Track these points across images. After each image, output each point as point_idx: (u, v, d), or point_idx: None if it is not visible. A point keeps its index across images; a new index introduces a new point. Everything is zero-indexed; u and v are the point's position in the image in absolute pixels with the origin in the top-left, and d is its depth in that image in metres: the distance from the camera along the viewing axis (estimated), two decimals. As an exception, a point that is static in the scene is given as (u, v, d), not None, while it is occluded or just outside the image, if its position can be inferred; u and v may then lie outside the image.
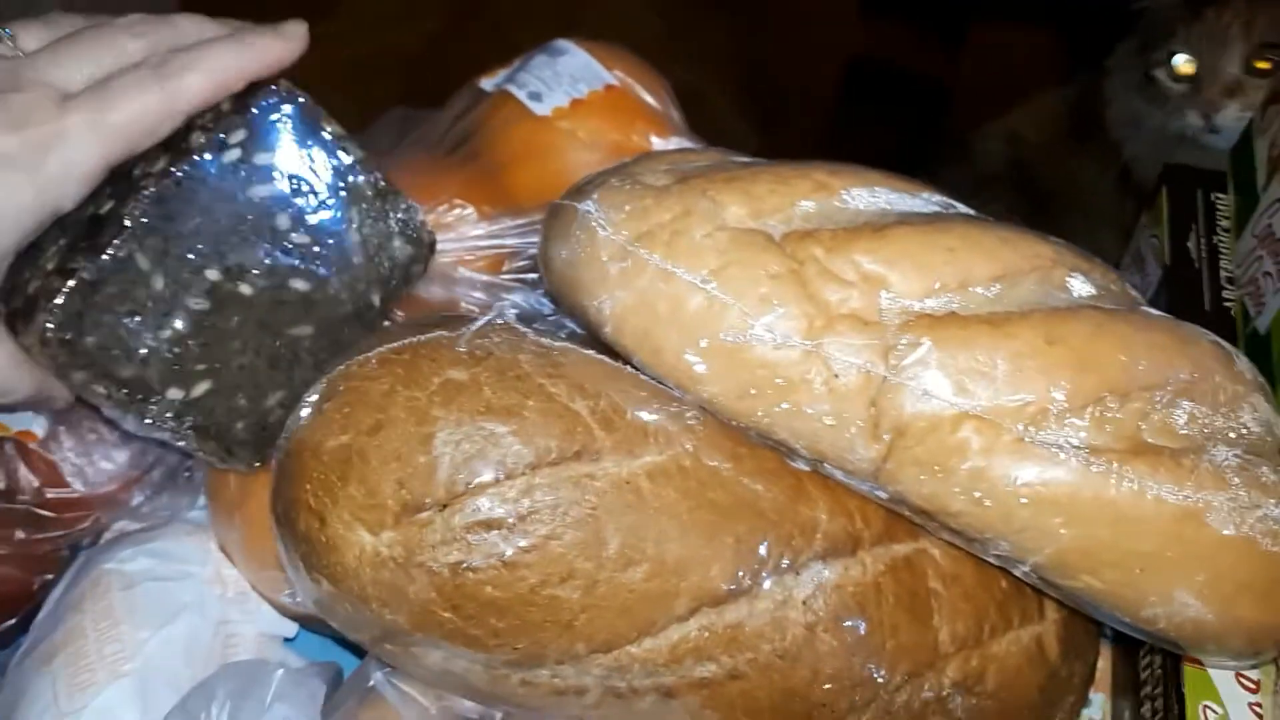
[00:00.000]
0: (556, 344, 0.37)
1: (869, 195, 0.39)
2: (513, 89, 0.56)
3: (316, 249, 0.41)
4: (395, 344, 0.35)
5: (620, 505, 0.34)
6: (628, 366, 0.38)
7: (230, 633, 0.43)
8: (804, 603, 0.35)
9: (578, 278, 0.38)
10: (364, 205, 0.43)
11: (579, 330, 0.41)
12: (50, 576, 0.47)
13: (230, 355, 0.40)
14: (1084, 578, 0.34)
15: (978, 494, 0.34)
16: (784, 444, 0.37)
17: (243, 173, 0.40)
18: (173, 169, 0.38)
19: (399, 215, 0.44)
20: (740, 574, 0.35)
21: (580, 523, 0.33)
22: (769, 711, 0.36)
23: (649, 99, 0.57)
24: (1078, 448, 0.33)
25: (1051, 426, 0.33)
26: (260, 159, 0.40)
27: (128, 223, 0.37)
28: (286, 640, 0.46)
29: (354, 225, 0.42)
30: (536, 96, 0.55)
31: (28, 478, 0.48)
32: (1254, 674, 0.42)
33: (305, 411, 0.35)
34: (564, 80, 0.56)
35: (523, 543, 0.33)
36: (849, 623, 0.36)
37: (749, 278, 0.36)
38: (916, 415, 0.34)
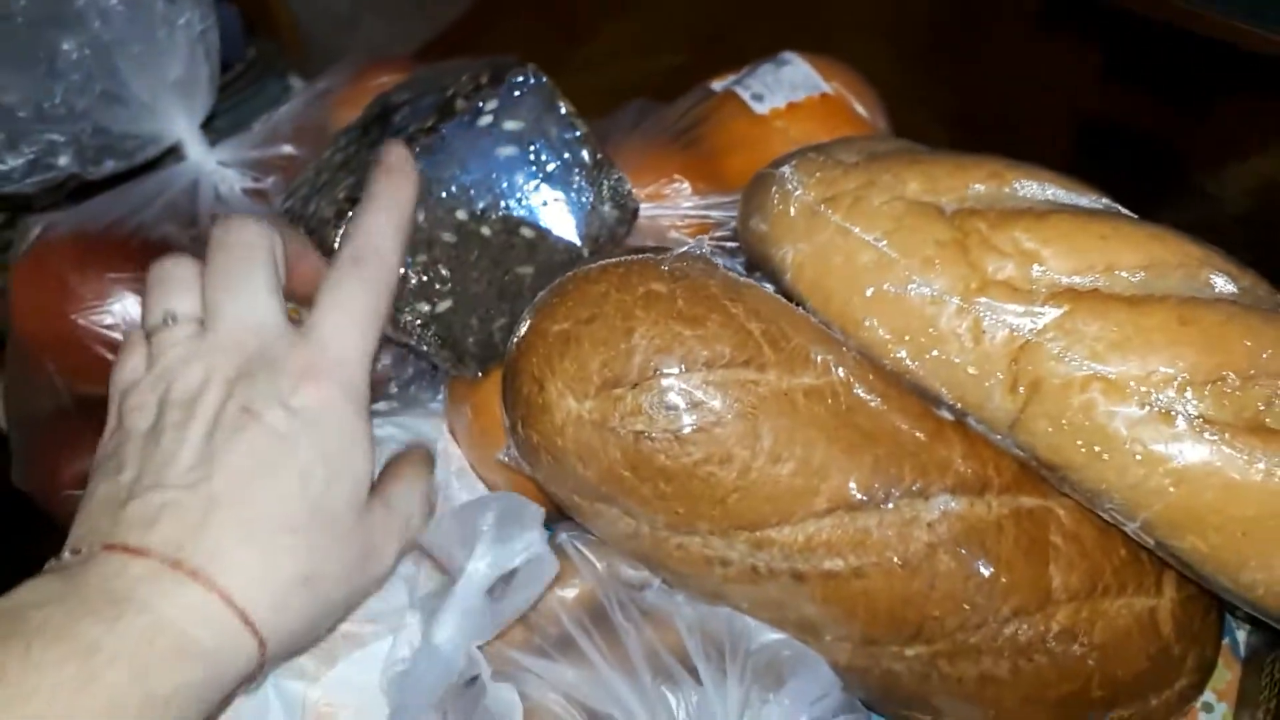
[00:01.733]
0: (743, 278, 0.44)
1: (1038, 187, 0.44)
2: (738, 90, 0.63)
3: (543, 204, 0.50)
4: (613, 259, 0.43)
5: (777, 410, 0.40)
6: (800, 309, 0.44)
7: (449, 496, 0.52)
8: (929, 525, 0.41)
9: (768, 231, 0.45)
10: (583, 171, 0.51)
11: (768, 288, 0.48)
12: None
13: (468, 283, 0.49)
14: (1190, 538, 0.38)
15: (1098, 449, 0.38)
16: (931, 391, 0.42)
17: (492, 135, 0.49)
18: (440, 127, 0.48)
19: (611, 183, 0.52)
20: (874, 487, 0.40)
21: (741, 417, 0.40)
22: (885, 613, 0.41)
23: (860, 109, 0.64)
24: (1194, 417, 0.37)
25: (1172, 395, 0.37)
26: (508, 125, 0.50)
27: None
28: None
29: (574, 188, 0.51)
30: (758, 98, 0.63)
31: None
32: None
33: (540, 302, 0.43)
34: (784, 86, 0.63)
35: (692, 424, 0.40)
36: (967, 550, 0.41)
37: (917, 241, 0.41)
38: (1051, 374, 0.39)
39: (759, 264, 0.47)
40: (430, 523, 0.44)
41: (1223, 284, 0.40)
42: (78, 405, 0.59)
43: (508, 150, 0.49)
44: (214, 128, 0.67)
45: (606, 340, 0.41)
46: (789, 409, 0.40)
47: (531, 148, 0.50)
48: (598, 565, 0.45)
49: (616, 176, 0.52)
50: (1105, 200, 0.45)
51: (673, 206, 0.59)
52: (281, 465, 0.37)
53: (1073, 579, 0.42)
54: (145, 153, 0.64)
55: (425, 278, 0.48)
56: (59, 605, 0.33)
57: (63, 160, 0.61)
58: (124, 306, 0.57)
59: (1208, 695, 0.51)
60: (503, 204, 0.49)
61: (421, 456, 0.46)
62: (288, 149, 0.68)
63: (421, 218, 0.48)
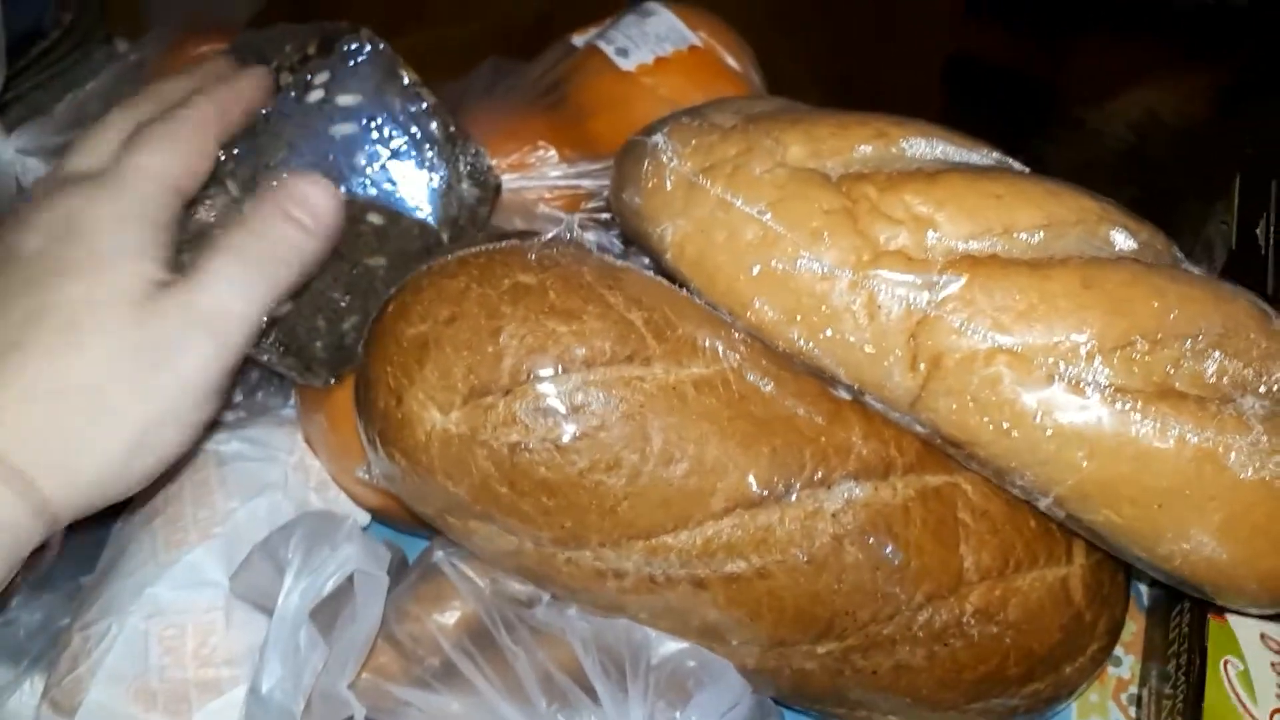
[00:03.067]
0: (619, 263, 0.40)
1: (927, 145, 0.41)
2: (601, 44, 0.59)
3: (390, 186, 0.45)
4: (473, 250, 0.39)
5: (665, 407, 0.37)
6: (684, 291, 0.40)
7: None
8: (833, 515, 0.38)
9: (644, 206, 0.41)
10: (435, 148, 0.46)
11: (646, 264, 0.44)
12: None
13: (311, 280, 0.44)
14: (1104, 511, 0.36)
15: (1006, 425, 0.36)
16: (827, 371, 0.39)
17: (325, 112, 0.43)
18: (262, 107, 0.42)
19: (468, 159, 0.47)
20: (774, 480, 0.37)
21: (628, 418, 0.36)
22: (793, 612, 0.38)
23: (731, 61, 0.60)
24: (1104, 386, 0.35)
25: (1080, 365, 0.35)
26: (342, 100, 0.44)
27: (220, 154, 0.41)
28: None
29: (425, 165, 0.46)
30: (623, 52, 0.58)
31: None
32: (1279, 634, 0.43)
33: (390, 303, 0.39)
34: (650, 39, 0.59)
35: (574, 430, 0.36)
36: (874, 539, 0.38)
37: (803, 211, 0.38)
38: (952, 348, 0.36)
39: (636, 239, 0.43)
40: (237, 568, 0.39)
41: (1122, 240, 0.38)
42: None
43: (345, 128, 0.44)
44: (28, 105, 0.59)
45: (470, 343, 0.36)
46: (679, 404, 0.37)
47: (373, 124, 0.44)
48: (479, 583, 0.41)
49: (474, 151, 0.47)
50: (996, 155, 0.42)
51: (539, 177, 0.54)
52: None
53: (984, 557, 0.40)
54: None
55: None
56: None
57: None
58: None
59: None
60: (343, 189, 0.44)
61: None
62: (99, 130, 0.60)
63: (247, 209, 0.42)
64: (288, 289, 0.38)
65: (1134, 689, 0.49)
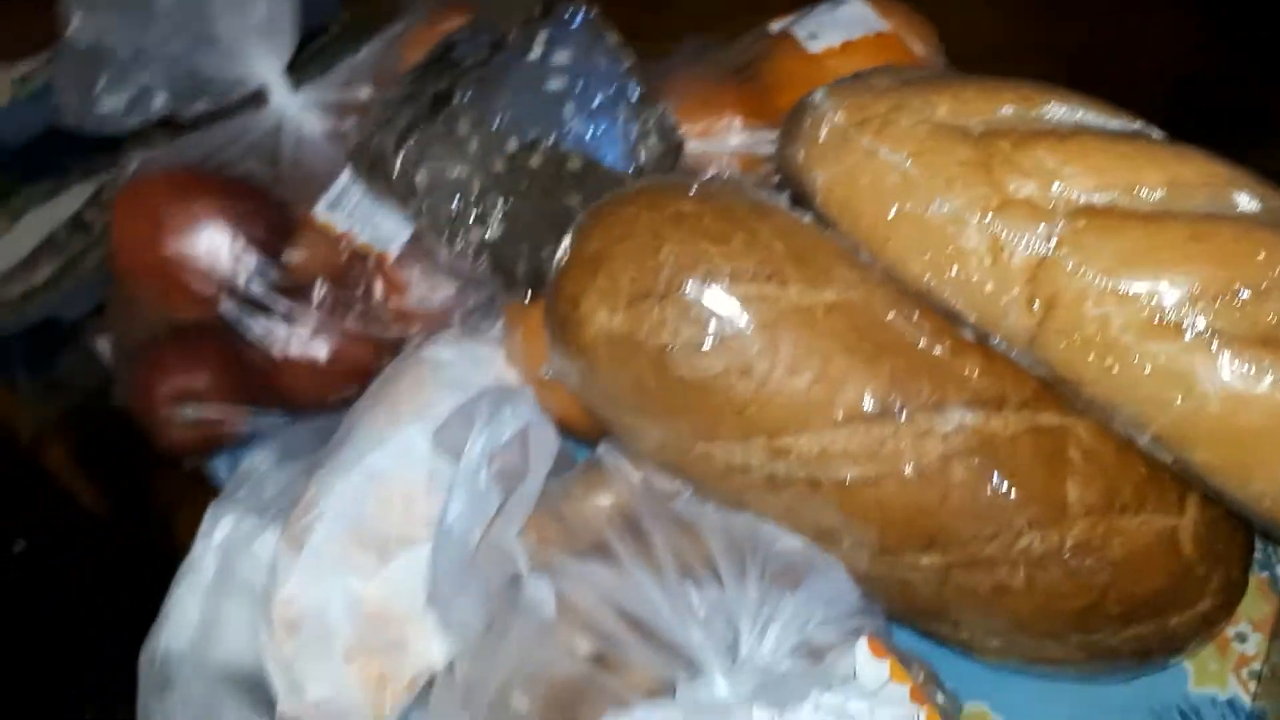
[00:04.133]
0: (771, 200, 0.45)
1: (1067, 110, 0.44)
2: (794, 30, 0.64)
3: (590, 136, 0.53)
4: (644, 183, 0.46)
5: (797, 323, 0.42)
6: (830, 233, 0.46)
7: (508, 418, 0.56)
8: (943, 436, 0.42)
9: (803, 157, 0.47)
10: (629, 105, 0.53)
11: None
12: (385, 362, 0.62)
13: (518, 211, 0.52)
14: (1198, 451, 0.39)
15: (1109, 362, 0.39)
16: (953, 310, 0.43)
17: (543, 68, 0.52)
18: (492, 60, 0.51)
19: (656, 118, 0.54)
20: (890, 398, 0.42)
21: (761, 329, 0.42)
22: (900, 521, 0.42)
23: (916, 47, 0.64)
24: (1203, 330, 0.38)
25: (1182, 309, 0.38)
26: (557, 58, 0.52)
27: (456, 97, 0.50)
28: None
29: (620, 120, 0.53)
30: (813, 37, 0.64)
31: (379, 287, 0.63)
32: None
33: (578, 227, 0.46)
34: (840, 25, 0.64)
35: (714, 336, 0.42)
36: (981, 462, 0.42)
37: (941, 161, 0.43)
38: (1066, 289, 0.40)
39: (796, 191, 0.48)
40: (439, 427, 0.47)
41: (1246, 201, 0.40)
42: (169, 330, 0.64)
43: (557, 83, 0.52)
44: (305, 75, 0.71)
45: (636, 257, 0.43)
46: (809, 323, 0.42)
47: (580, 81, 0.52)
48: (632, 477, 0.48)
49: (662, 110, 0.54)
50: (1140, 124, 0.45)
51: (721, 142, 0.60)
52: None
53: (1090, 494, 0.42)
54: (233, 94, 0.68)
55: (479, 205, 0.51)
56: None
57: (158, 101, 0.66)
58: (210, 237, 0.62)
59: (1243, 625, 0.51)
60: (552, 135, 0.52)
61: None
62: (365, 92, 0.71)
63: (476, 146, 0.51)
64: None
65: (1257, 665, 0.50)
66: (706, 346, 0.42)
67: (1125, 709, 0.49)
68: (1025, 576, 0.43)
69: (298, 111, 0.70)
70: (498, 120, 0.51)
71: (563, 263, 0.46)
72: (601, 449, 0.49)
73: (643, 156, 0.54)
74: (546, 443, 0.43)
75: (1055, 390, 0.43)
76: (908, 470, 0.42)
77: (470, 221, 0.51)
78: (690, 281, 0.42)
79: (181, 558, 0.57)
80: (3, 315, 1.46)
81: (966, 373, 0.43)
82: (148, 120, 0.67)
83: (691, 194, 0.44)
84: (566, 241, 0.46)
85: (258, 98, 0.70)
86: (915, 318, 0.43)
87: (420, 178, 0.50)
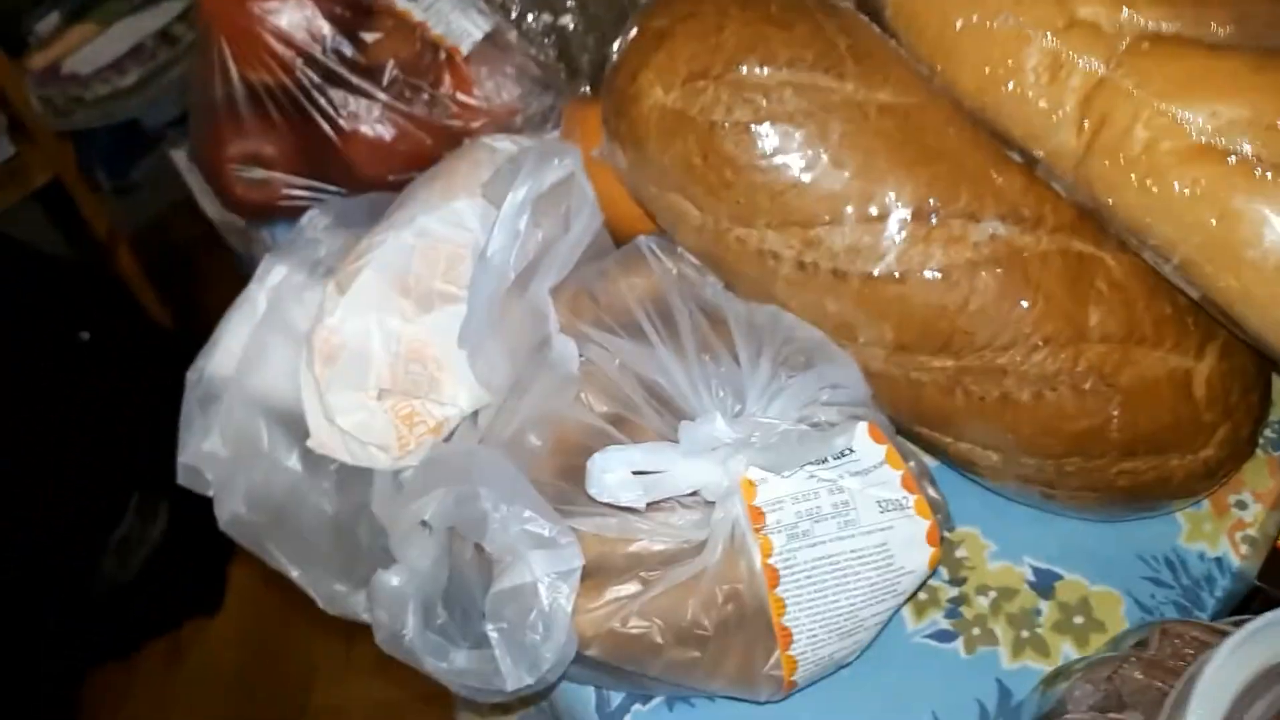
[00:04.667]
0: (841, 4, 0.46)
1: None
2: None
3: None
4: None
5: (846, 117, 0.43)
6: (895, 43, 0.46)
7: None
8: (975, 244, 0.43)
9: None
10: None
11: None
12: (445, 152, 0.64)
13: (588, 3, 0.53)
14: (1225, 276, 0.39)
15: (1149, 181, 0.40)
16: (1003, 130, 0.44)
17: None
18: None
19: None
20: (927, 200, 0.43)
21: (810, 117, 0.43)
22: (919, 320, 0.44)
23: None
24: (1248, 155, 0.38)
25: (1230, 134, 0.38)
26: None
27: None
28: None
29: None
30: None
31: (448, 80, 0.65)
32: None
33: (647, 4, 0.47)
34: None
35: (763, 117, 0.43)
36: (1007, 273, 0.43)
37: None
38: (1118, 110, 0.40)
39: (865, 4, 0.48)
40: (489, 177, 0.48)
41: (1317, 41, 0.40)
42: (246, 91, 0.66)
43: None
44: None
45: (698, 35, 0.44)
46: (859, 118, 0.43)
47: None
48: (667, 264, 0.50)
49: None
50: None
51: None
52: None
53: (1110, 322, 0.43)
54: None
55: None
56: None
57: None
58: (293, 4, 0.64)
59: (1245, 494, 0.52)
60: None
61: None
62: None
63: None
64: None
65: (1252, 531, 0.51)
66: (755, 128, 0.43)
67: (1114, 550, 0.50)
68: (1033, 391, 0.44)
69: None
70: None
71: (626, 40, 0.47)
72: (640, 238, 0.51)
73: None
74: (588, 203, 0.45)
75: (1092, 220, 0.44)
76: (933, 271, 0.43)
77: (541, 5, 0.52)
78: (748, 62, 0.43)
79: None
80: (89, 113, 1.50)
81: (1006, 188, 0.43)
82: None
83: (764, -19, 0.45)
84: (633, 21, 0.47)
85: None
86: (966, 132, 0.44)
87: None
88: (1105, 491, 0.47)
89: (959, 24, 0.43)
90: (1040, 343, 0.43)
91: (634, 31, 0.46)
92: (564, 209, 0.46)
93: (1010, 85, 0.42)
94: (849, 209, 0.43)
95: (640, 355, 0.47)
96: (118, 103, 1.46)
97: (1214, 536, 0.51)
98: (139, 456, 1.38)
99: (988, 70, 0.43)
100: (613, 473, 0.41)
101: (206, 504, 0.54)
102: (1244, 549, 0.51)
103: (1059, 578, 0.50)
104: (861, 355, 0.46)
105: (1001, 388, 0.44)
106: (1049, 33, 0.41)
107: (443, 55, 0.65)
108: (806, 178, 0.43)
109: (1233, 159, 0.38)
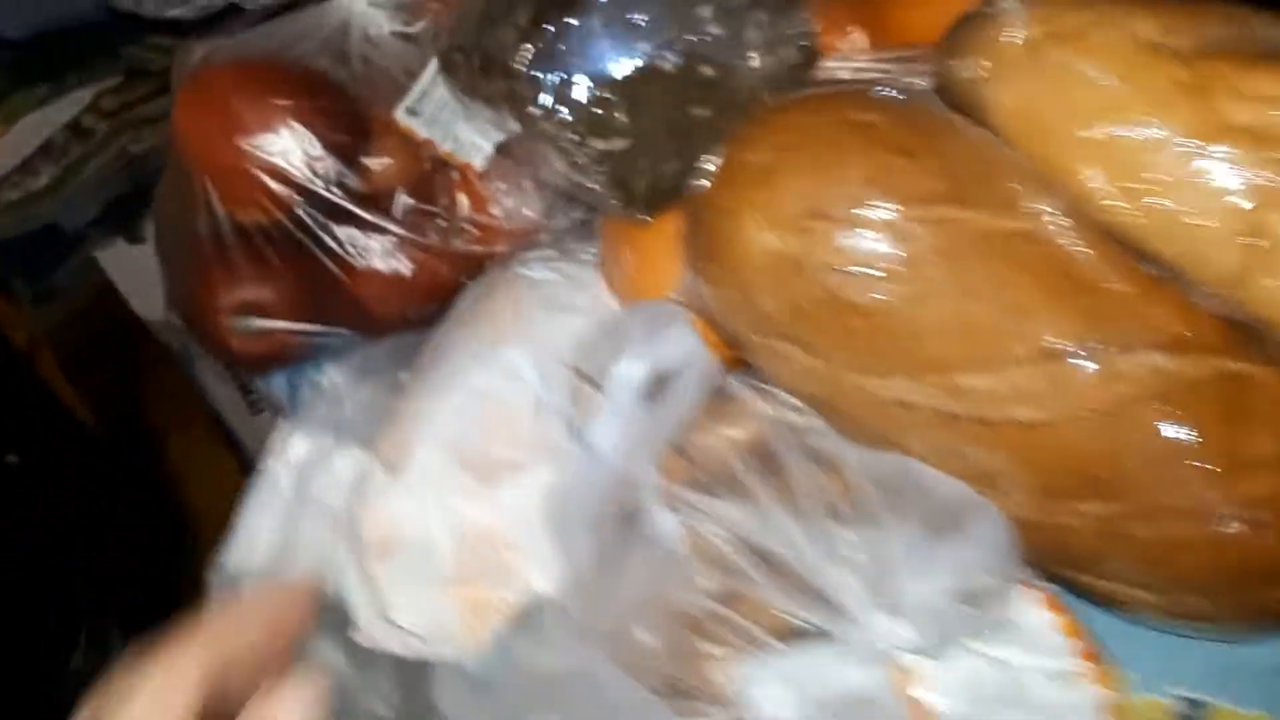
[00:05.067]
0: (952, 113, 0.42)
1: (1278, 32, 0.41)
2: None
3: (727, 41, 0.48)
4: (815, 90, 0.42)
5: (983, 251, 0.39)
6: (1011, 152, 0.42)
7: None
8: (1129, 379, 0.39)
9: (978, 69, 0.43)
10: (770, 11, 0.49)
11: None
12: (469, 280, 0.58)
13: (644, 120, 0.48)
14: None
15: (1330, 306, 0.36)
16: (1145, 244, 0.40)
17: None
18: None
19: (794, 24, 0.50)
20: (1076, 336, 0.39)
21: (945, 255, 0.38)
22: (1074, 466, 0.40)
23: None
24: None
25: None
26: None
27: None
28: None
29: (760, 26, 0.49)
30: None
31: (463, 200, 0.59)
32: None
33: (736, 135, 0.42)
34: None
35: (894, 260, 0.38)
36: (1166, 409, 0.39)
37: (1152, 80, 0.39)
38: (1283, 226, 0.37)
39: (964, 108, 0.44)
40: (580, 344, 0.43)
41: None
42: (236, 233, 0.59)
43: None
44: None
45: (810, 170, 0.39)
46: (995, 251, 0.39)
47: None
48: (764, 409, 0.45)
49: (801, 17, 0.50)
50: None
51: (845, 59, 0.56)
52: None
53: (1274, 447, 0.40)
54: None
55: (603, 113, 0.47)
56: None
57: (223, -14, 0.61)
58: (286, 135, 0.57)
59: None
60: (685, 39, 0.48)
61: None
62: (439, -8, 0.66)
63: (606, 45, 0.46)
64: None
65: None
66: (884, 272, 0.38)
67: (1259, 664, 0.46)
68: (1198, 527, 0.40)
69: (365, 9, 0.65)
70: (631, 20, 0.47)
71: (715, 174, 0.42)
72: (732, 381, 0.46)
73: (775, 65, 0.50)
74: (704, 374, 0.40)
75: (1240, 331, 0.40)
76: (1088, 413, 0.39)
77: (592, 133, 0.47)
78: (871, 198, 0.38)
79: (175, 482, 0.53)
80: (1, 221, 1.39)
81: (1154, 312, 0.40)
82: (212, 7, 0.62)
83: (872, 100, 0.40)
84: (720, 151, 0.42)
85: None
86: (1104, 252, 0.40)
87: (551, 76, 0.45)
88: (1270, 619, 0.43)
89: (1092, 133, 0.40)
90: (1203, 478, 0.39)
91: (724, 164, 0.42)
92: (676, 380, 0.40)
93: (1157, 201, 0.39)
94: (994, 352, 0.39)
95: (750, 519, 0.42)
96: (32, 207, 1.36)
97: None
98: (82, 585, 1.28)
99: (1126, 184, 0.39)
100: (763, 688, 0.36)
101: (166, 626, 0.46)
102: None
103: (1208, 706, 0.46)
104: (1002, 503, 0.41)
105: (1161, 529, 0.40)
106: (1199, 141, 0.38)
107: (454, 174, 0.60)
108: (944, 322, 0.39)
109: None
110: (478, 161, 0.60)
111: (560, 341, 0.50)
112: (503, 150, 0.60)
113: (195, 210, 0.60)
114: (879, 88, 0.42)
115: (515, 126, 0.51)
